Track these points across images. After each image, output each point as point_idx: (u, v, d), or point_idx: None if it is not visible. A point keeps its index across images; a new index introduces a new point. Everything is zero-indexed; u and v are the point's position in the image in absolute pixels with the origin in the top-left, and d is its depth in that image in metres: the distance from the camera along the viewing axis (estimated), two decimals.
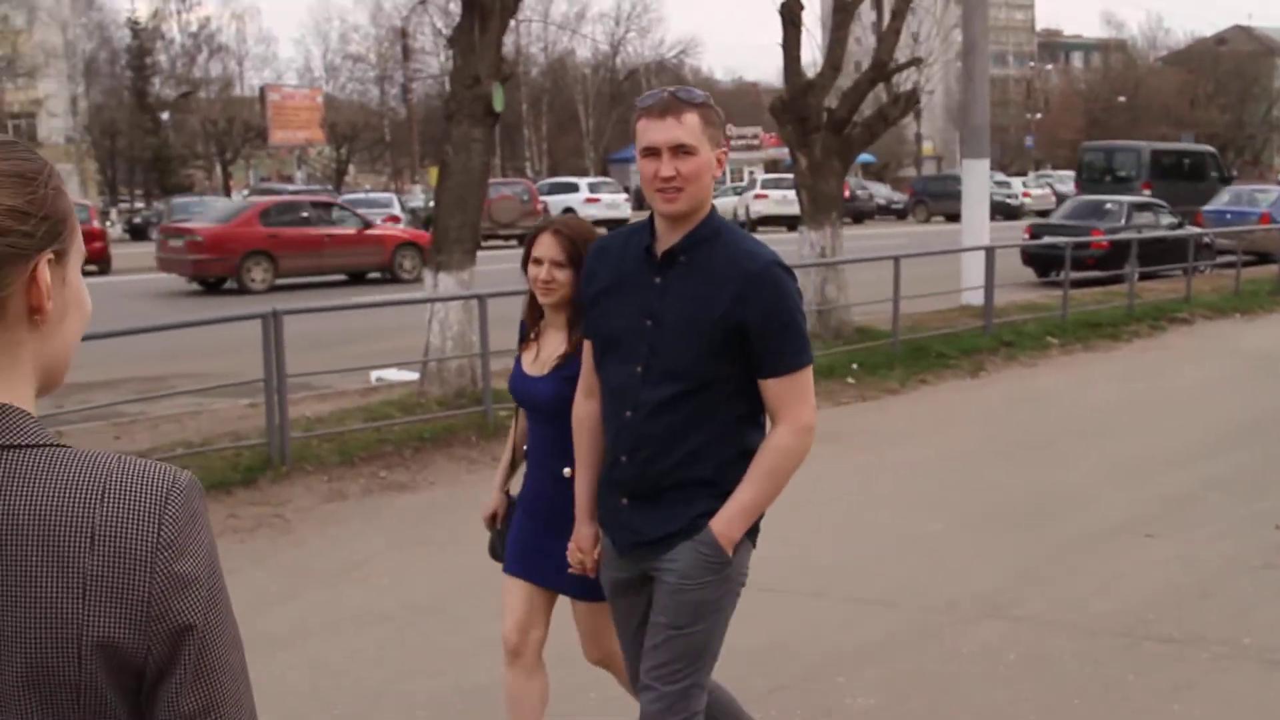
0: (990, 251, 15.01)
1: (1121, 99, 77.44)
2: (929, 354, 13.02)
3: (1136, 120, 79.74)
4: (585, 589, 3.68)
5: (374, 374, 12.16)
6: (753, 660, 5.16)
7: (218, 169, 65.11)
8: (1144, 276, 19.65)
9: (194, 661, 1.31)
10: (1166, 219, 23.53)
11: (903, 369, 12.43)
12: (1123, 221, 22.57)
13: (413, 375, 11.44)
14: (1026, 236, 22.93)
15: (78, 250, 1.38)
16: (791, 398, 3.08)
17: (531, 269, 3.72)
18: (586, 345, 3.37)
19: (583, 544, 3.46)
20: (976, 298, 16.63)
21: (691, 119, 3.00)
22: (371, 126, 65.16)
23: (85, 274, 1.43)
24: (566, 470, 3.59)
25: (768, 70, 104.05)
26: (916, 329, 13.85)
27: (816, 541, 7.01)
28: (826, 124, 13.67)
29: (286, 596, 6.43)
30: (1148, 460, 8.95)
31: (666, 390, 3.07)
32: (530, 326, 3.88)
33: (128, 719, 1.32)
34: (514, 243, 32.02)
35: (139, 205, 52.92)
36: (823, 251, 13.85)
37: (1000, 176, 52.80)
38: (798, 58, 13.90)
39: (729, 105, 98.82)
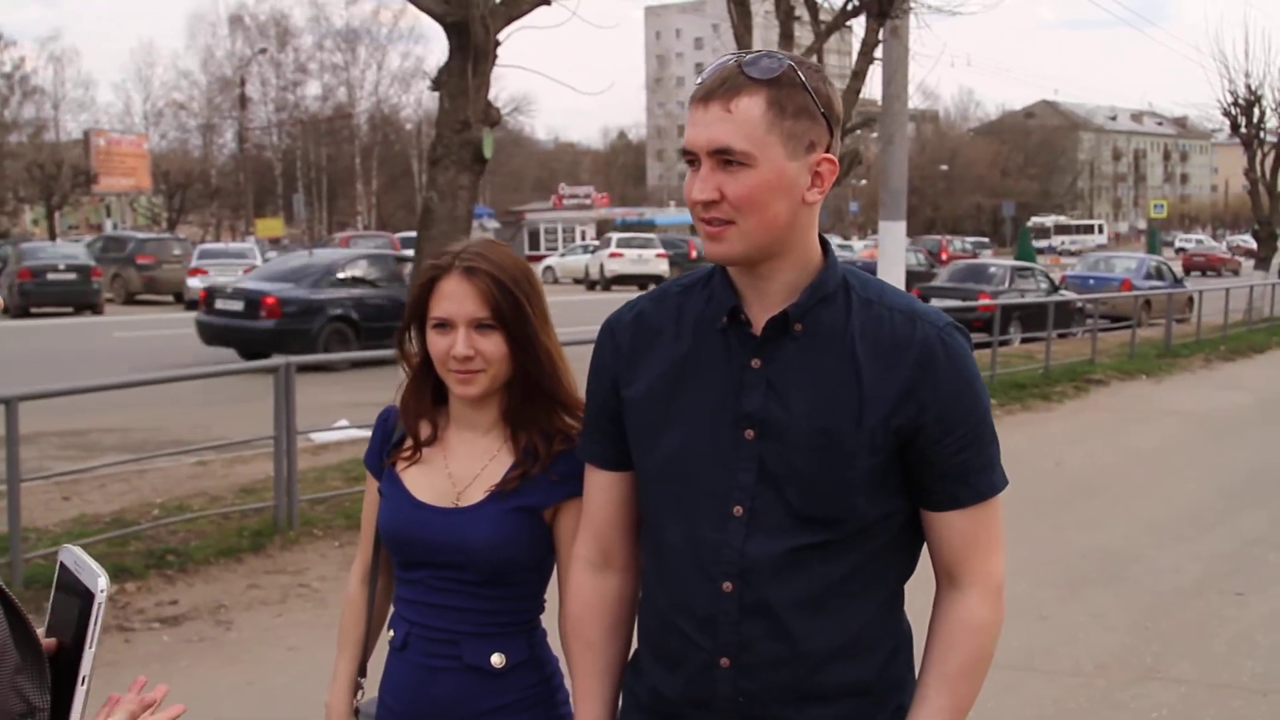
0: None
1: (944, 167, 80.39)
2: None
3: (952, 189, 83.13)
4: None
5: (316, 435, 11.40)
6: None
7: (26, 214, 62.35)
8: (1025, 340, 20.17)
9: None
10: (1044, 282, 24.25)
11: None
12: (1005, 284, 23.19)
13: (364, 432, 10.81)
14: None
15: None
16: (983, 541, 1.99)
17: (434, 339, 2.33)
18: (593, 476, 2.17)
19: None
20: None
21: (750, 105, 1.84)
22: (202, 175, 63.43)
23: None
24: (497, 658, 2.33)
25: (588, 132, 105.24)
26: None
27: None
28: None
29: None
30: (1175, 520, 8.96)
31: (794, 541, 1.92)
32: (410, 424, 2.44)
33: None
34: None
35: None
36: None
37: (839, 239, 54.08)
38: None
39: (551, 165, 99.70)
